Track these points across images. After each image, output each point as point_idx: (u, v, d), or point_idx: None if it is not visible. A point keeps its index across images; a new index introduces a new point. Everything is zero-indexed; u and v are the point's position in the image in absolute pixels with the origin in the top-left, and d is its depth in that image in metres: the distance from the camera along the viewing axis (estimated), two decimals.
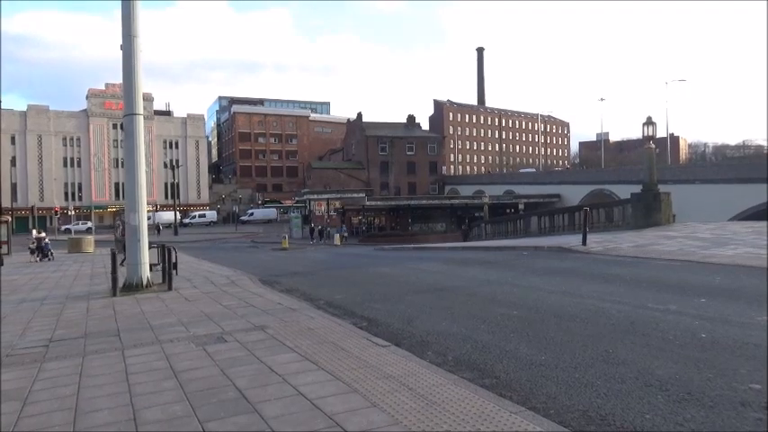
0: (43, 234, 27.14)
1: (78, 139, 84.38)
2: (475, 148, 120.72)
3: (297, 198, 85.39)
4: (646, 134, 21.77)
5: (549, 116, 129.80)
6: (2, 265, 15.66)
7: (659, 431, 3.55)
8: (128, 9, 11.73)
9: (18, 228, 56.34)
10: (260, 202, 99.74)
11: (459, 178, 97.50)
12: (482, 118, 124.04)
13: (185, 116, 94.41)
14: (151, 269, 12.16)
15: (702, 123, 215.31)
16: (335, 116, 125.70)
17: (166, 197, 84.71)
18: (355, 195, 63.78)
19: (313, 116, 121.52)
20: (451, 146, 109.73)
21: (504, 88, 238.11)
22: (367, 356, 5.45)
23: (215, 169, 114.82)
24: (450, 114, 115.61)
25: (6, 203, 61.35)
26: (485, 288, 10.13)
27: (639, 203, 21.40)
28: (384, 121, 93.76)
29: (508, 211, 54.56)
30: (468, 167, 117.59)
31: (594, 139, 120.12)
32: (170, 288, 11.51)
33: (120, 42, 11.80)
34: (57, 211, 67.24)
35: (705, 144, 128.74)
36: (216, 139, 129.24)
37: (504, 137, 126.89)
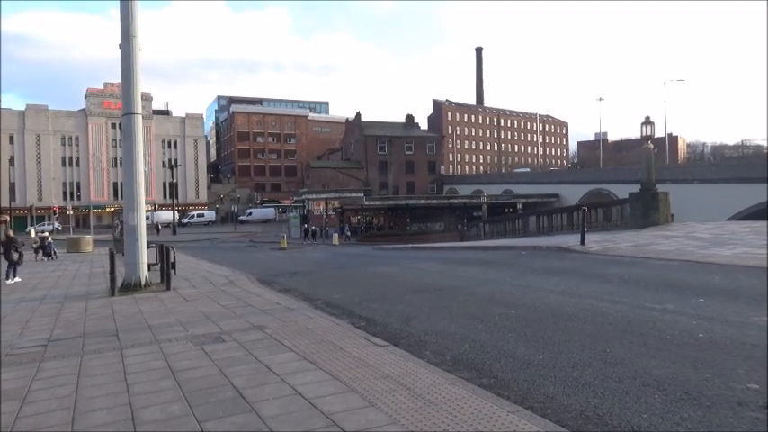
0: (46, 234, 27.31)
1: (77, 139, 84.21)
2: (473, 147, 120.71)
3: (295, 198, 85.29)
4: (644, 134, 21.77)
5: (547, 116, 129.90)
6: (20, 263, 15.79)
7: (656, 431, 3.56)
8: (126, 9, 11.73)
9: (17, 227, 56.22)
10: (258, 201, 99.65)
11: (458, 178, 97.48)
12: (481, 118, 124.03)
13: (184, 116, 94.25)
14: (150, 269, 12.17)
15: (701, 123, 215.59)
16: (334, 116, 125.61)
17: (165, 197, 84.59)
18: (354, 195, 63.71)
19: (312, 116, 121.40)
20: (450, 145, 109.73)
21: (503, 88, 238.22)
22: (365, 356, 5.46)
23: (213, 169, 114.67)
24: (449, 114, 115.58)
25: (5, 203, 61.33)
26: (483, 288, 10.14)
27: (638, 203, 21.42)
28: (383, 121, 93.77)
29: (507, 210, 54.53)
30: (466, 167, 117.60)
31: (593, 138, 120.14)
32: (168, 288, 11.51)
33: (119, 42, 11.80)
34: (55, 211, 67.19)
35: (704, 144, 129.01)
36: (214, 139, 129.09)
37: (502, 137, 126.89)
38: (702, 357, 4.94)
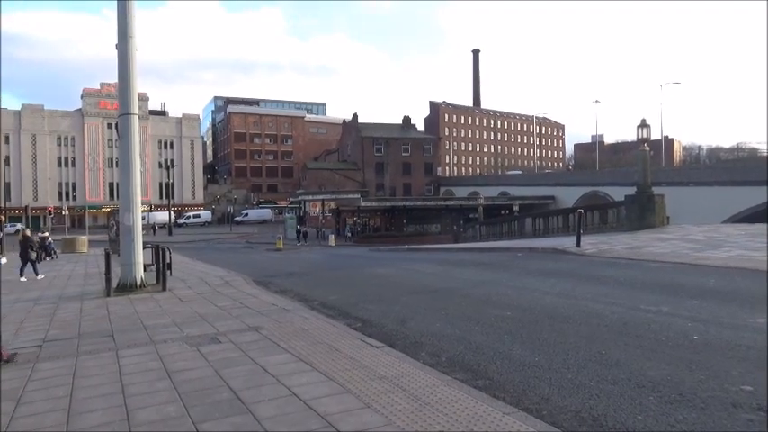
0: (47, 234, 27.57)
1: (73, 139, 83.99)
2: (470, 149, 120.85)
3: (292, 199, 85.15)
4: (640, 136, 21.86)
5: (544, 118, 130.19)
6: (40, 261, 16.28)
7: None
8: (123, 9, 11.72)
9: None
10: (255, 202, 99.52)
11: (455, 179, 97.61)
12: (478, 119, 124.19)
13: (180, 116, 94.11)
14: (145, 269, 12.14)
15: (697, 126, 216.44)
16: (331, 117, 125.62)
17: (161, 197, 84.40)
18: (350, 196, 63.70)
19: (308, 117, 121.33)
20: (447, 147, 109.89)
21: (500, 90, 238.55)
22: (361, 357, 5.46)
23: (210, 169, 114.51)
24: (446, 116, 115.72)
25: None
26: (479, 289, 10.15)
27: (634, 205, 21.48)
28: (380, 123, 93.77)
29: (503, 212, 54.59)
30: (463, 169, 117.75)
31: (589, 141, 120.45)
32: (164, 288, 11.49)
33: (116, 42, 11.78)
34: (50, 211, 66.87)
35: (699, 147, 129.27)
36: (211, 140, 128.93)
37: (499, 138, 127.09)
38: (697, 359, 4.96)
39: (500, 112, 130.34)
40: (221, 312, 8.60)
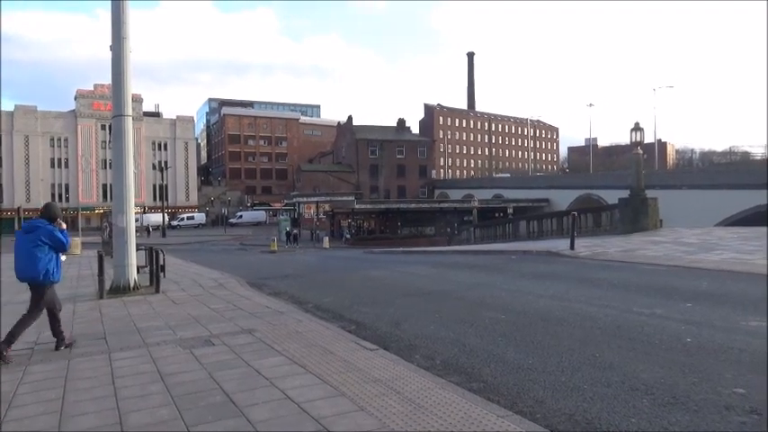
0: None
1: (66, 140, 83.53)
2: (465, 152, 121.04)
3: (286, 201, 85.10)
4: (633, 140, 21.96)
5: (538, 121, 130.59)
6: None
7: None
8: (117, 11, 11.66)
9: (5, 229, 55.76)
10: (249, 204, 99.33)
11: (449, 182, 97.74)
12: (472, 122, 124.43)
13: (174, 118, 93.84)
14: (139, 271, 12.08)
15: (690, 129, 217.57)
16: (326, 119, 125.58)
17: (155, 199, 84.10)
18: (345, 198, 63.69)
19: (303, 119, 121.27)
20: (441, 150, 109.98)
21: (494, 93, 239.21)
22: (355, 360, 5.45)
23: (204, 171, 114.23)
24: (441, 118, 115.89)
25: None
26: (473, 292, 10.16)
27: (627, 208, 21.56)
28: (374, 125, 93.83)
29: (497, 215, 54.72)
30: (457, 171, 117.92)
31: (583, 144, 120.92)
32: (157, 291, 11.43)
33: (110, 43, 11.73)
34: None
35: (692, 150, 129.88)
36: (205, 141, 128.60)
37: (493, 141, 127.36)
38: (690, 362, 4.98)
39: (494, 115, 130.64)
40: (215, 315, 8.57)
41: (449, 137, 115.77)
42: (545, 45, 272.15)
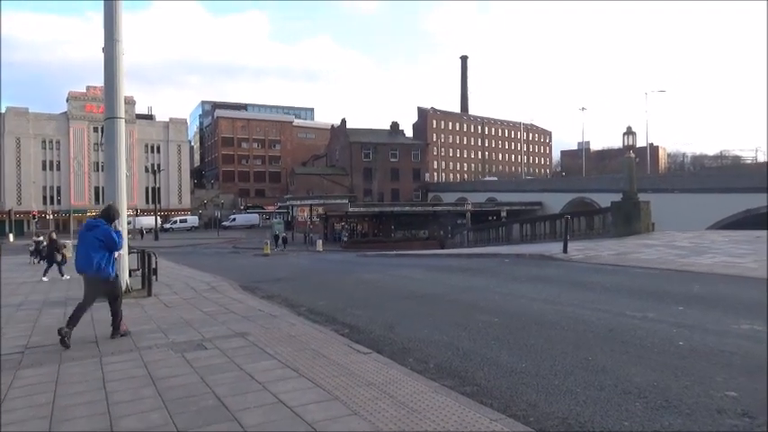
0: (41, 238, 27.98)
1: (58, 142, 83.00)
2: (458, 155, 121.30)
3: (279, 204, 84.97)
4: (626, 143, 22.08)
5: (531, 125, 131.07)
6: (64, 263, 17.44)
7: None
8: (110, 13, 11.61)
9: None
10: (242, 207, 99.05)
11: (443, 185, 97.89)
12: (465, 126, 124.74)
13: (167, 120, 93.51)
14: (131, 275, 12.00)
15: (681, 134, 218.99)
16: (319, 122, 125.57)
17: (147, 202, 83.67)
18: (338, 201, 63.61)
19: (297, 122, 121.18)
20: (435, 153, 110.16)
21: (488, 96, 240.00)
22: (348, 363, 5.44)
23: (197, 174, 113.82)
24: (434, 122, 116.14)
25: None
26: (466, 295, 10.16)
27: (619, 212, 21.66)
28: (368, 128, 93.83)
29: (490, 218, 54.81)
30: (451, 175, 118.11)
31: (576, 147, 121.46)
32: (150, 294, 11.37)
33: (102, 45, 11.68)
34: (34, 215, 66.10)
35: (684, 154, 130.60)
36: (198, 144, 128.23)
37: (486, 144, 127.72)
38: (682, 365, 4.99)
39: (488, 119, 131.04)
40: (207, 318, 8.53)
41: (442, 140, 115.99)
42: (538, 49, 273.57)
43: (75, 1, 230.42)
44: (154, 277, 11.88)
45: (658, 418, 3.84)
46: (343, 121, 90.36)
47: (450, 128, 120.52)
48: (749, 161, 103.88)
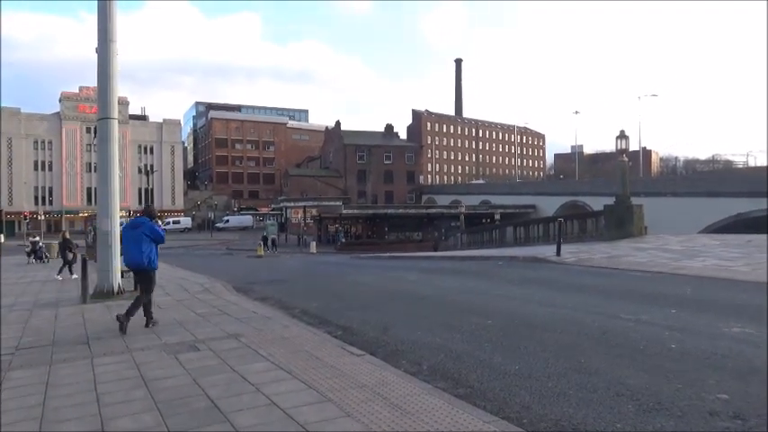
0: (38, 238, 28.28)
1: (50, 143, 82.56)
2: (452, 157, 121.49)
3: (273, 205, 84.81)
4: (619, 147, 22.17)
5: (525, 128, 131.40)
6: (74, 263, 17.67)
7: None
8: (104, 13, 11.58)
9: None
10: (236, 208, 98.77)
11: (437, 188, 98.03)
12: (460, 128, 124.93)
13: (161, 121, 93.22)
14: (123, 276, 11.95)
15: (674, 138, 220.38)
16: (314, 124, 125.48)
17: (140, 203, 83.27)
18: (332, 203, 63.60)
19: (291, 123, 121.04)
20: (429, 155, 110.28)
21: (482, 99, 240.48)
22: (342, 365, 5.43)
23: (190, 175, 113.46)
24: (428, 124, 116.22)
25: None
26: (460, 297, 10.17)
27: (612, 215, 21.75)
28: (362, 130, 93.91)
29: (484, 221, 54.91)
30: (445, 177, 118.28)
31: (569, 150, 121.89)
32: None
33: (95, 46, 11.63)
34: (26, 216, 65.72)
35: (676, 158, 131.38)
36: (192, 145, 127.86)
37: (480, 147, 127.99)
38: (675, 368, 5.02)
39: (482, 122, 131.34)
40: (200, 320, 8.50)
41: (436, 143, 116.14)
42: (532, 52, 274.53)
43: (69, 1, 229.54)
44: None
45: (650, 421, 3.86)
46: (338, 123, 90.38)
47: (445, 130, 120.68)
48: (740, 165, 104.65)
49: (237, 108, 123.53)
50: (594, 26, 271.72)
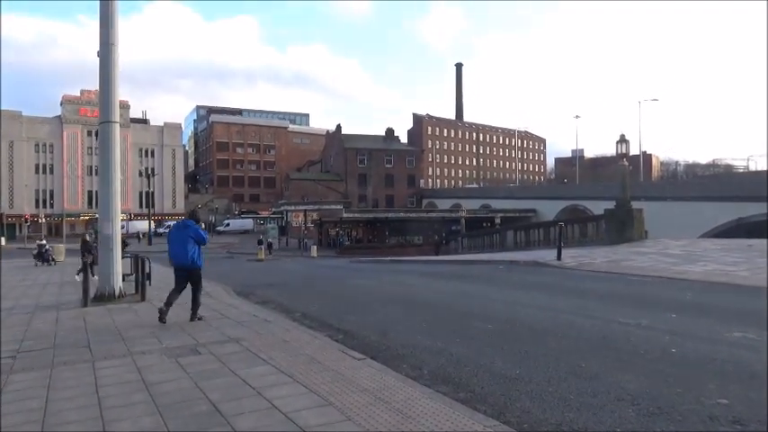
0: (44, 242, 28.55)
1: (51, 146, 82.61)
2: (453, 161, 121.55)
3: (274, 209, 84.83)
4: (619, 151, 22.20)
5: (525, 132, 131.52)
6: (96, 263, 17.59)
7: None
8: (105, 16, 11.61)
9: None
10: (236, 212, 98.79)
11: (437, 192, 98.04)
12: (460, 132, 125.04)
13: (162, 125, 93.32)
14: (124, 279, 11.96)
15: (674, 142, 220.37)
16: (314, 128, 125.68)
17: (141, 206, 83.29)
18: (333, 207, 63.64)
19: (292, 127, 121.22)
20: (430, 159, 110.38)
21: (483, 103, 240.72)
22: (342, 369, 5.43)
23: (191, 178, 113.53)
24: (429, 128, 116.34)
25: None
26: (461, 301, 10.18)
27: (613, 219, 21.75)
28: (363, 134, 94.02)
29: (485, 225, 54.94)
30: (446, 181, 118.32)
31: (570, 155, 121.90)
32: (143, 299, 11.32)
33: (97, 49, 11.66)
34: (27, 219, 65.71)
35: (676, 162, 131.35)
36: (193, 149, 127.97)
37: (481, 151, 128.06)
38: (675, 372, 5.02)
39: (482, 126, 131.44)
40: (201, 323, 8.50)
41: (437, 147, 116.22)
42: (533, 57, 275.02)
43: (69, 1, 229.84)
44: (147, 282, 11.83)
45: (651, 425, 3.86)
46: (338, 127, 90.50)
47: (445, 134, 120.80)
48: (741, 170, 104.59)
49: (239, 112, 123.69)
50: (595, 30, 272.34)
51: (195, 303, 8.73)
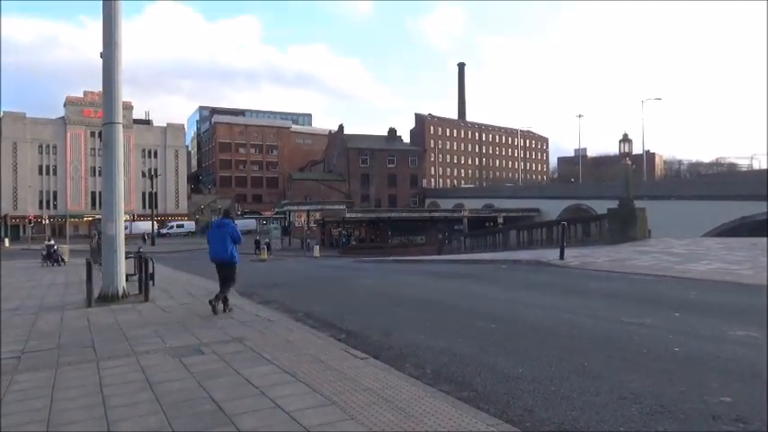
0: (52, 242, 28.77)
1: (55, 147, 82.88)
2: (455, 161, 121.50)
3: (277, 209, 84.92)
4: (622, 150, 22.19)
5: (528, 131, 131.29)
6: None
7: None
8: (109, 17, 11.64)
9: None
10: (239, 212, 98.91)
11: (440, 191, 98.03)
12: (463, 132, 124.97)
13: (165, 125, 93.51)
14: (127, 279, 11.99)
15: (677, 141, 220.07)
16: (317, 128, 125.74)
17: (144, 207, 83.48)
18: (336, 207, 63.71)
19: (294, 127, 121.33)
20: (432, 159, 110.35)
21: (485, 103, 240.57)
22: (345, 369, 5.44)
23: (194, 179, 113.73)
24: (432, 128, 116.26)
25: None
26: (463, 301, 10.18)
27: (616, 218, 21.72)
28: (365, 134, 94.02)
29: (488, 224, 54.90)
30: (448, 181, 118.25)
31: (573, 154, 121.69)
32: (147, 299, 11.35)
33: (100, 50, 11.69)
34: (30, 220, 65.92)
35: (680, 161, 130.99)
36: (196, 149, 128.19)
37: (484, 151, 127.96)
38: (678, 371, 5.02)
39: (485, 125, 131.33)
40: (204, 323, 8.53)
41: (440, 146, 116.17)
42: (535, 56, 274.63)
43: (70, 2, 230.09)
44: (151, 282, 11.87)
45: (654, 424, 3.86)
46: (341, 127, 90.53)
47: (448, 134, 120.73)
48: (745, 168, 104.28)
49: (241, 112, 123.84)
50: (598, 29, 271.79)
51: (223, 293, 9.28)
